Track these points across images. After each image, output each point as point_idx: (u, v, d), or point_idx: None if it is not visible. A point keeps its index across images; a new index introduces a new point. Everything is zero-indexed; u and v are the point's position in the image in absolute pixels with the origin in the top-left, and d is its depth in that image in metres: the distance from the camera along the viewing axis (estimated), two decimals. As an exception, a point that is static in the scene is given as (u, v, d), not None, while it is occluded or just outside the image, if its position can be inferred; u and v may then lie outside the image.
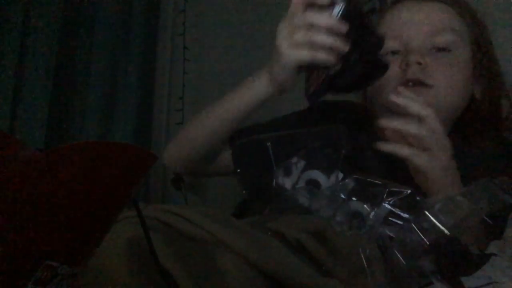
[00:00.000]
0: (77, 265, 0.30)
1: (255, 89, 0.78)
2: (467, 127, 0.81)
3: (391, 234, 0.52)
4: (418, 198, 0.56)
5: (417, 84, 0.75)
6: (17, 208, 0.26)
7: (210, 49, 1.90)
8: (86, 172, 0.28)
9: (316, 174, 0.77)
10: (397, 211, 0.54)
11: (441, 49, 0.78)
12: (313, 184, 0.75)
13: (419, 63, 0.74)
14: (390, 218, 0.55)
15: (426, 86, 0.75)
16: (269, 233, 0.53)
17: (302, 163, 0.79)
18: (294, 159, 0.78)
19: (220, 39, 1.85)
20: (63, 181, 0.27)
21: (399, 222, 0.54)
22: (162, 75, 1.98)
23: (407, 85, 0.74)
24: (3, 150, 0.25)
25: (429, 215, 0.45)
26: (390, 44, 0.77)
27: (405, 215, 0.54)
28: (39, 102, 1.70)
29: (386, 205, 0.56)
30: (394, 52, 0.79)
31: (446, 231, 0.44)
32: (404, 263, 0.44)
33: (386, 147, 0.68)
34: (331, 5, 0.63)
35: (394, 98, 0.68)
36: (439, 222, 0.44)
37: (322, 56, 0.66)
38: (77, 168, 0.28)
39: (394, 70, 0.74)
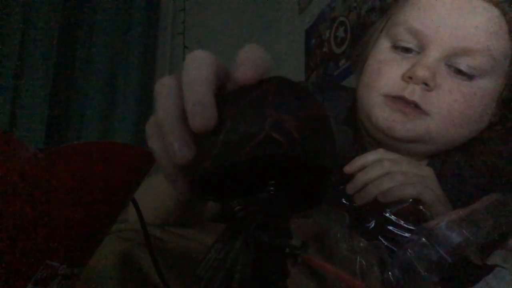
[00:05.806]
0: (77, 265, 0.30)
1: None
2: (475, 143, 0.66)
3: (393, 247, 0.50)
4: (421, 207, 0.54)
5: (410, 105, 0.60)
6: (17, 208, 0.26)
7: (210, 49, 1.89)
8: (86, 172, 0.28)
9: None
10: (399, 221, 0.53)
11: (461, 73, 0.60)
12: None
13: (425, 84, 0.59)
14: (390, 227, 0.54)
15: (420, 112, 0.60)
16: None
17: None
18: None
19: (220, 38, 1.85)
20: (63, 181, 0.27)
21: (400, 232, 0.53)
22: (162, 74, 1.97)
23: (397, 101, 0.61)
24: (3, 149, 0.25)
25: (437, 231, 0.44)
26: (405, 37, 0.63)
27: (409, 226, 0.52)
28: (39, 102, 1.70)
29: (387, 215, 0.54)
30: (407, 49, 0.63)
31: (453, 249, 0.43)
32: (405, 277, 0.43)
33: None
34: None
35: (347, 170, 0.58)
36: (447, 240, 0.43)
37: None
38: (77, 168, 0.28)
39: (396, 74, 0.62)
